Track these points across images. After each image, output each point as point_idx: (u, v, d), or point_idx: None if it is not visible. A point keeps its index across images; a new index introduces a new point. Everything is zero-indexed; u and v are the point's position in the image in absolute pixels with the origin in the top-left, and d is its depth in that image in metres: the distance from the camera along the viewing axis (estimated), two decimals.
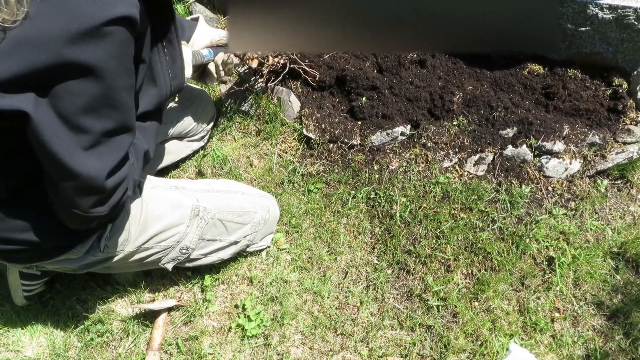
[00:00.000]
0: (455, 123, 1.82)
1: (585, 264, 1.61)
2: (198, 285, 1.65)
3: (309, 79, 1.85)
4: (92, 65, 0.88)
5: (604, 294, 1.59)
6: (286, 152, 1.86)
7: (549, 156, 1.74)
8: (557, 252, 1.63)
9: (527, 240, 1.65)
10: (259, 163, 1.86)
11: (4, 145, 1.03)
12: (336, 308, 1.60)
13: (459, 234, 1.66)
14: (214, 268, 1.64)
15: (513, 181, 1.74)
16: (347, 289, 1.63)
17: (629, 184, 1.74)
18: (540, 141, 1.74)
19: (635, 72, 1.86)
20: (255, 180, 1.82)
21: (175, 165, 1.88)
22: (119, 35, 0.90)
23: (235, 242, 1.55)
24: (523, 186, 1.72)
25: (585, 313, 1.57)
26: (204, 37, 1.56)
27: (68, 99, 0.90)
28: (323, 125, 1.83)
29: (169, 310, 1.60)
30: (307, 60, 1.86)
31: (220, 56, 1.58)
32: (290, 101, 1.88)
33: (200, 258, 1.52)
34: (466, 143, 1.79)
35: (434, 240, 1.67)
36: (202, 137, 1.86)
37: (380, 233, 1.71)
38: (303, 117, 1.86)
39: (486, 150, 1.78)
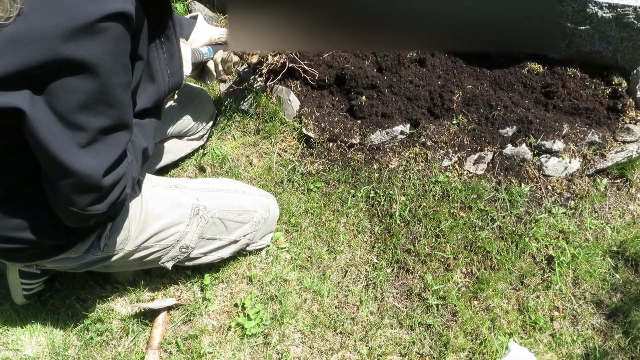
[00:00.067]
0: (454, 122, 1.82)
1: (585, 262, 1.61)
2: (198, 284, 1.65)
3: (308, 78, 1.85)
4: (87, 62, 0.88)
5: (603, 292, 1.59)
6: (286, 151, 1.86)
7: (548, 155, 1.74)
8: (556, 251, 1.63)
9: (527, 239, 1.65)
10: (258, 162, 1.86)
11: (0, 143, 1.02)
12: (336, 307, 1.60)
13: (458, 232, 1.66)
14: (214, 267, 1.64)
15: (512, 180, 1.74)
16: (346, 287, 1.63)
17: (628, 182, 1.74)
18: (539, 140, 1.74)
19: (634, 71, 1.86)
20: (254, 179, 1.82)
21: (175, 164, 1.88)
22: (114, 31, 0.90)
23: (235, 241, 1.55)
24: (522, 185, 1.72)
25: (584, 312, 1.57)
26: (203, 35, 1.56)
27: (64, 96, 0.90)
28: (322, 124, 1.83)
29: (169, 309, 1.60)
30: (306, 60, 1.86)
31: (220, 54, 1.57)
32: (289, 100, 1.88)
33: (200, 257, 1.52)
34: (466, 142, 1.79)
35: (434, 239, 1.67)
36: (202, 136, 1.86)
37: (379, 232, 1.71)
38: (302, 116, 1.86)
39: (486, 149, 1.78)
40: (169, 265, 1.48)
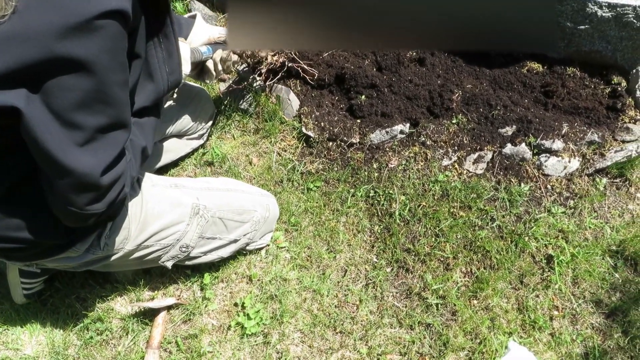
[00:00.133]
0: (454, 121, 1.82)
1: (584, 262, 1.62)
2: (197, 283, 1.65)
3: (307, 77, 1.85)
4: (83, 60, 0.87)
5: (603, 292, 1.59)
6: (285, 151, 1.86)
7: (548, 154, 1.74)
8: (556, 250, 1.63)
9: (526, 238, 1.65)
10: (258, 161, 1.86)
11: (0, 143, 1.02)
12: (335, 306, 1.60)
13: (458, 232, 1.66)
14: (214, 266, 1.65)
15: (512, 179, 1.74)
16: (346, 287, 1.63)
17: (627, 182, 1.74)
18: (539, 139, 1.74)
19: (634, 71, 1.86)
20: (254, 178, 1.82)
21: (175, 164, 1.88)
22: (111, 29, 0.89)
23: (235, 241, 1.55)
24: (522, 184, 1.72)
25: (584, 311, 1.57)
26: (202, 35, 1.55)
27: (60, 95, 0.89)
28: (322, 124, 1.83)
29: (169, 308, 1.60)
30: (306, 59, 1.86)
31: (219, 53, 1.57)
32: (289, 99, 1.88)
33: (200, 256, 1.52)
34: (465, 141, 1.79)
35: (433, 239, 1.67)
36: (202, 135, 1.85)
37: (379, 231, 1.71)
38: (302, 116, 1.86)
39: (485, 148, 1.78)
40: (169, 264, 1.48)
